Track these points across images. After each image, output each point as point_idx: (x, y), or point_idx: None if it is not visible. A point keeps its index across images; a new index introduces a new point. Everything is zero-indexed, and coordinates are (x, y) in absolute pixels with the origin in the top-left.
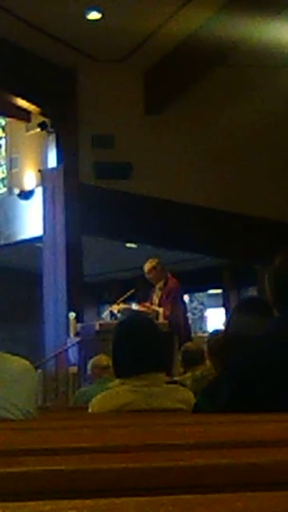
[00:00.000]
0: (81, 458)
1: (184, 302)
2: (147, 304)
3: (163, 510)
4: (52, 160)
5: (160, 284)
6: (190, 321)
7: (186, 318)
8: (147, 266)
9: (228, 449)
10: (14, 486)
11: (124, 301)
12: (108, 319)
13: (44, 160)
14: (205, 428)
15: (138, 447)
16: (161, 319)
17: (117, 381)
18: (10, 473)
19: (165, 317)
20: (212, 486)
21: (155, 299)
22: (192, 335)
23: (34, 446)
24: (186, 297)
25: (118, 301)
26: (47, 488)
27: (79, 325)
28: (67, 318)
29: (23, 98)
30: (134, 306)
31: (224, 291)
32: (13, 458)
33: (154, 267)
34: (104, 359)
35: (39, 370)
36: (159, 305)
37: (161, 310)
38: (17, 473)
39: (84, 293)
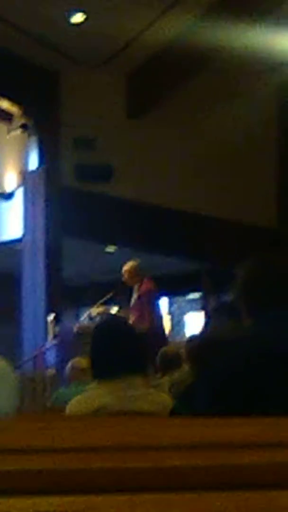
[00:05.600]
0: (58, 458)
1: (157, 306)
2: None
3: (141, 509)
4: (33, 162)
5: (136, 288)
6: (165, 325)
7: (160, 322)
8: (125, 268)
9: (206, 451)
10: None
11: (102, 304)
12: (86, 322)
13: (25, 162)
14: (182, 430)
15: (115, 447)
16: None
17: (94, 383)
18: None
19: (132, 322)
20: (189, 487)
21: (132, 302)
22: (169, 339)
23: (11, 445)
24: (164, 301)
25: (97, 304)
26: (25, 486)
27: (57, 327)
28: (46, 320)
29: (5, 99)
30: (113, 310)
31: (203, 295)
32: None
33: (129, 270)
34: (82, 362)
35: (17, 372)
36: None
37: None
38: None
39: (63, 295)
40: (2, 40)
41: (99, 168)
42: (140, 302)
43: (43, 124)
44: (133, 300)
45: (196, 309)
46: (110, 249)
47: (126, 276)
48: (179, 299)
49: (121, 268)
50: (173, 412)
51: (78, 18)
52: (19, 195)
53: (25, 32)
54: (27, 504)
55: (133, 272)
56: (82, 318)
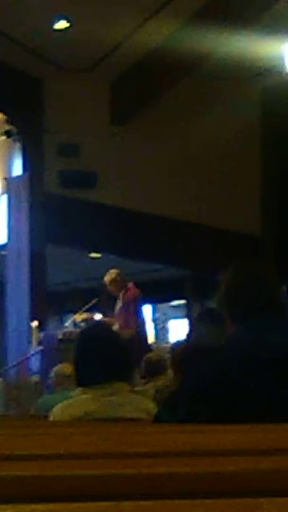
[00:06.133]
0: (42, 465)
1: (141, 312)
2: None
3: None
4: (17, 168)
5: (120, 295)
6: (148, 332)
7: (143, 329)
8: (107, 278)
9: (190, 457)
10: None
11: (87, 311)
12: (71, 328)
13: (10, 168)
14: (167, 437)
15: (99, 454)
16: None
17: (78, 390)
18: None
19: (117, 328)
20: (173, 494)
21: (117, 308)
22: (153, 345)
23: None
24: (148, 308)
25: (81, 311)
26: (9, 493)
27: (41, 333)
28: (30, 326)
29: None
30: (97, 316)
31: (187, 302)
32: None
33: (114, 279)
34: (67, 368)
35: (0, 379)
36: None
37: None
38: None
39: (47, 302)
40: None
41: (83, 175)
42: (125, 308)
43: (27, 130)
44: (117, 307)
45: (180, 316)
46: (95, 255)
47: (111, 287)
48: (163, 305)
49: (105, 275)
50: (157, 419)
51: (62, 24)
52: (3, 202)
53: (9, 38)
54: (10, 510)
55: (117, 281)
56: (66, 325)
